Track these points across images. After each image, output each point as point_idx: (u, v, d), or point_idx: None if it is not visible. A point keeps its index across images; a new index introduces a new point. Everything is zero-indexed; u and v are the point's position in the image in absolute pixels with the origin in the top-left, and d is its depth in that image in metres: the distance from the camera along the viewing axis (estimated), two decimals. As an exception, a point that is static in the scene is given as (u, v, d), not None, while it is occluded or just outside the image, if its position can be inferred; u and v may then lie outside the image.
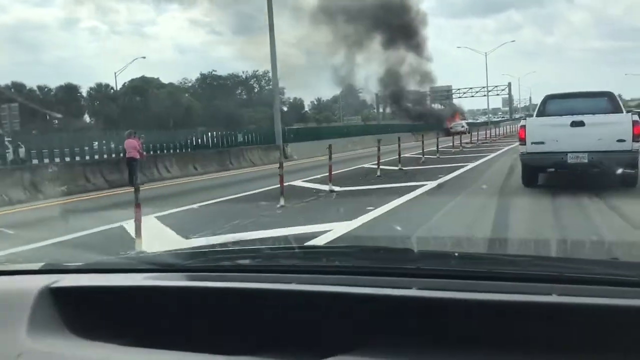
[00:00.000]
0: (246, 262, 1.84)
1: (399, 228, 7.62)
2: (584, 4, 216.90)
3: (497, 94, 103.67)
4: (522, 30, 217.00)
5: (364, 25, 63.83)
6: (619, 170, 9.66)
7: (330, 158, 13.13)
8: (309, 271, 1.61)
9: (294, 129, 36.96)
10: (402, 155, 19.34)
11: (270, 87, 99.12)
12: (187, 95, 78.75)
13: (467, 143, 32.62)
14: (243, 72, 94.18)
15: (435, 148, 24.12)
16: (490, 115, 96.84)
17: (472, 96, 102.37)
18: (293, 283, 1.50)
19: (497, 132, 47.58)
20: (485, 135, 40.68)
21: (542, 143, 10.13)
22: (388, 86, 78.77)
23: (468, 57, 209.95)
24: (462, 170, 16.21)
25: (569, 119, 10.05)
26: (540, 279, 1.39)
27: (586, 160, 9.84)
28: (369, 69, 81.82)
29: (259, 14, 68.16)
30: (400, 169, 17.08)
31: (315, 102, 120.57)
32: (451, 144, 30.15)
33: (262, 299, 1.48)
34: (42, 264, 1.84)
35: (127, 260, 2.20)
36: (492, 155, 22.36)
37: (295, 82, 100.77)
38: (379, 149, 16.51)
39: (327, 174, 12.85)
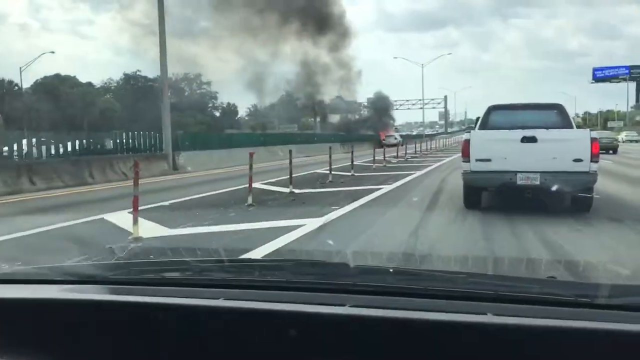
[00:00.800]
0: (172, 275, 1.75)
1: (330, 242, 6.72)
2: (517, 24, 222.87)
3: (434, 107, 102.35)
4: (459, 47, 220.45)
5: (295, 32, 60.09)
6: (573, 194, 8.76)
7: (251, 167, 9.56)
8: (239, 286, 1.55)
9: (190, 135, 30.77)
10: (309, 172, 15.40)
11: (203, 90, 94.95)
12: (108, 96, 72.56)
13: (393, 157, 29.11)
14: (173, 74, 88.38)
15: (356, 162, 20.52)
16: (421, 129, 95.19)
17: (409, 108, 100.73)
18: (221, 298, 1.44)
19: (430, 146, 44.20)
20: (415, 149, 37.41)
21: (489, 160, 8.80)
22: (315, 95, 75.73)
23: (407, 69, 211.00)
24: (368, 198, 11.54)
25: (519, 134, 8.70)
26: (476, 297, 1.39)
27: (538, 182, 8.59)
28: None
29: (199, 17, 63.94)
30: (291, 192, 12.67)
31: (251, 109, 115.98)
32: (379, 158, 26.44)
33: (186, 314, 1.38)
34: None
35: (43, 270, 1.95)
36: (416, 174, 18.57)
37: (232, 87, 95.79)
38: (291, 162, 13.86)
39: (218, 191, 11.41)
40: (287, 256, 4.72)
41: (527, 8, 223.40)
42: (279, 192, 12.85)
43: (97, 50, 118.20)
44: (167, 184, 16.86)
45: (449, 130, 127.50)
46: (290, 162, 13.84)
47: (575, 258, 5.38)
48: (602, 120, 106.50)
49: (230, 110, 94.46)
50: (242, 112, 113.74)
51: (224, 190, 13.41)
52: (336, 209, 9.53)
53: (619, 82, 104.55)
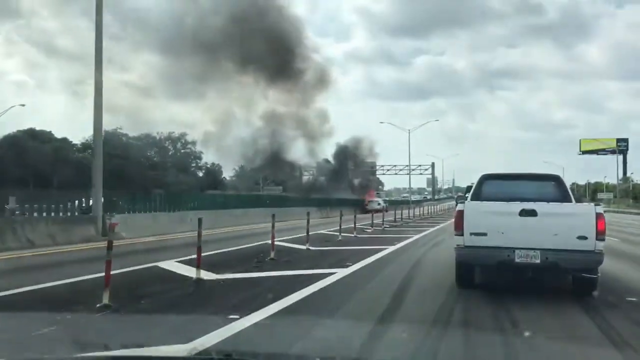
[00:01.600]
0: None
1: None
2: (503, 96, 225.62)
3: (421, 173, 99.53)
4: (446, 116, 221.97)
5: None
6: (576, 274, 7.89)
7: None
8: None
9: (129, 195, 24.38)
10: (260, 243, 12.13)
11: (187, 150, 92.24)
12: (87, 152, 69.26)
13: (369, 226, 25.23)
14: (157, 133, 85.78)
15: (321, 232, 16.89)
16: (405, 195, 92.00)
17: (396, 174, 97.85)
18: None
19: (415, 213, 40.63)
20: (395, 216, 33.49)
21: (484, 235, 7.84)
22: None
23: (395, 136, 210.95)
24: (303, 293, 7.85)
25: (517, 207, 7.84)
26: None
27: (538, 260, 7.64)
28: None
29: (195, 83, 61.74)
30: (197, 279, 8.93)
31: (238, 169, 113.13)
32: (350, 227, 22.89)
33: None
34: None
35: None
36: (388, 250, 14.77)
37: (218, 148, 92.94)
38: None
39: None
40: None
41: (512, 80, 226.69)
42: (181, 278, 9.13)
43: (89, 109, 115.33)
44: (73, 255, 13.17)
45: (437, 197, 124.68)
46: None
47: None
48: (591, 191, 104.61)
49: (214, 171, 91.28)
50: (229, 172, 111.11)
51: (123, 270, 9.71)
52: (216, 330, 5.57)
53: (606, 154, 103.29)
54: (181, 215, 22.59)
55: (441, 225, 30.45)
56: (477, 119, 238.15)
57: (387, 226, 26.94)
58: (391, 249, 14.86)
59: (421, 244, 17.22)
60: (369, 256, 12.73)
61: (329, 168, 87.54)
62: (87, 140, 72.40)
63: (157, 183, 71.39)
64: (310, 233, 15.86)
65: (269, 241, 15.63)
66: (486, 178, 9.70)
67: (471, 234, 7.96)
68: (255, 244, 15.74)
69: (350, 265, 11.11)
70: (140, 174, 69.58)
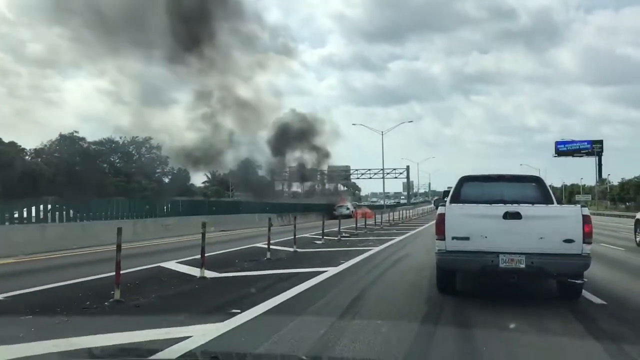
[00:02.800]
0: None
1: None
2: (478, 100, 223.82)
3: (396, 177, 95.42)
4: (422, 121, 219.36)
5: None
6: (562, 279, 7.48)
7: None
8: None
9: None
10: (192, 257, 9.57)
11: (152, 155, 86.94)
12: (39, 159, 63.84)
13: (318, 237, 19.57)
14: (120, 138, 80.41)
15: (254, 245, 14.58)
16: (374, 200, 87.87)
17: (371, 177, 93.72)
18: None
19: (382, 219, 36.13)
20: (357, 224, 28.51)
21: (467, 239, 7.32)
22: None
23: (372, 141, 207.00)
24: None
25: (501, 209, 7.33)
26: None
27: (523, 265, 7.12)
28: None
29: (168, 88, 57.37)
30: None
31: (209, 176, 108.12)
32: (304, 236, 18.54)
33: None
34: None
35: None
36: (328, 272, 10.58)
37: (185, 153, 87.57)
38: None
39: None
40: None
41: (486, 85, 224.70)
42: None
43: (60, 117, 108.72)
44: None
45: (413, 201, 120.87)
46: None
47: None
48: (567, 194, 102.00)
49: (181, 176, 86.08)
50: (200, 178, 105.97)
51: None
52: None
53: (582, 156, 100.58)
54: (91, 225, 17.80)
55: (411, 232, 26.06)
56: (452, 124, 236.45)
57: (347, 234, 22.40)
58: (328, 273, 10.24)
59: (377, 261, 12.73)
60: (298, 284, 8.35)
61: (300, 173, 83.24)
62: (44, 145, 67.08)
63: (120, 190, 66.34)
64: (242, 247, 12.68)
65: (165, 263, 11.33)
66: (465, 180, 9.29)
67: (453, 238, 7.45)
68: (191, 257, 11.43)
69: (257, 304, 6.66)
70: (98, 180, 64.33)
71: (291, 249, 15.18)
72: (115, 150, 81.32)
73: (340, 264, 11.63)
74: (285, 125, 63.62)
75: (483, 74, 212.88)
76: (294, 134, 65.04)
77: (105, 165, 79.51)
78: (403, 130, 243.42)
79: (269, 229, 14.49)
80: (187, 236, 20.49)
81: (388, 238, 20.72)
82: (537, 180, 9.46)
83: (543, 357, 5.16)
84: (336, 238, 19.95)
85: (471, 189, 9.09)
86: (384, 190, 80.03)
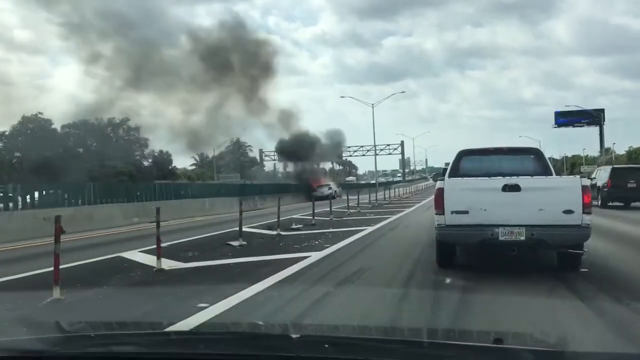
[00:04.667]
0: (119, 348, 1.66)
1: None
2: (472, 75, 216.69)
3: (390, 153, 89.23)
4: (418, 98, 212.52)
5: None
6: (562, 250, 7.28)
7: None
8: (184, 359, 1.51)
9: None
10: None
11: (130, 137, 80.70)
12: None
13: (301, 221, 14.50)
14: (96, 119, 74.02)
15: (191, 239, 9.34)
16: (350, 179, 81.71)
17: (364, 155, 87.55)
18: None
19: (379, 197, 30.05)
20: (348, 202, 22.39)
21: (466, 213, 7.22)
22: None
23: (367, 119, 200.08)
24: None
25: (499, 182, 7.21)
26: None
27: (523, 237, 7.02)
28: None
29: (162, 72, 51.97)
30: None
31: (197, 159, 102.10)
32: (263, 223, 13.04)
33: None
34: None
35: None
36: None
37: (169, 134, 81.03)
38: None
39: None
40: (231, 328, 3.38)
41: (481, 59, 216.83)
42: None
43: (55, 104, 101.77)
44: None
45: (409, 178, 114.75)
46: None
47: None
48: (569, 165, 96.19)
49: (163, 159, 79.96)
50: (188, 161, 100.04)
51: None
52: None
53: (582, 126, 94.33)
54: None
55: (400, 214, 20.13)
56: (448, 100, 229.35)
57: (328, 218, 16.59)
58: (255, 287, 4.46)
59: (329, 272, 6.83)
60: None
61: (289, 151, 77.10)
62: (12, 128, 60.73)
63: (91, 174, 60.36)
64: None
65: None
66: (464, 154, 9.24)
67: (452, 212, 7.29)
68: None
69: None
70: (69, 165, 58.32)
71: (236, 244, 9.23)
72: (91, 134, 75.14)
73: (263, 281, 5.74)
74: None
75: (477, 49, 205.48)
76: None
77: (81, 149, 73.46)
78: (398, 107, 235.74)
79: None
80: (77, 234, 14.52)
81: (375, 220, 14.82)
82: (535, 152, 9.38)
83: (522, 314, 5.31)
84: (310, 223, 13.93)
85: (470, 162, 9.04)
86: (375, 167, 73.90)
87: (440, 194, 7.37)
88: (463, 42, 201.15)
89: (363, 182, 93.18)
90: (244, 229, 14.94)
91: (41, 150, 58.16)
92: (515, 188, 7.02)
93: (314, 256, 9.30)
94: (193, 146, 66.26)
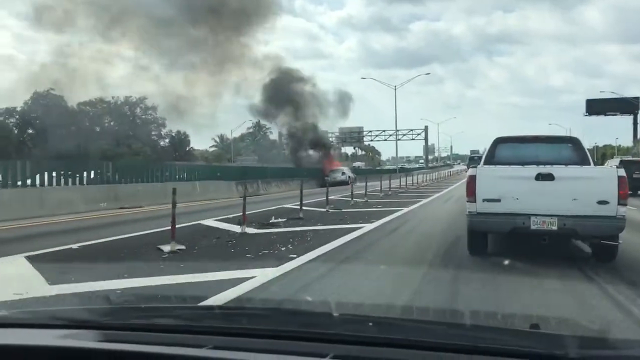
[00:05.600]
0: (162, 321, 1.65)
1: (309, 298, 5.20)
2: (501, 62, 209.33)
3: (413, 139, 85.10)
4: (444, 83, 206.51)
5: None
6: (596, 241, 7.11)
7: None
8: (225, 333, 1.49)
9: None
10: None
11: (148, 116, 78.15)
12: (11, 120, 55.74)
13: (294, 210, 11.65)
14: (113, 98, 71.73)
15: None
16: (386, 163, 77.25)
17: (385, 139, 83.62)
18: (207, 347, 1.39)
19: (382, 186, 26.58)
20: (353, 190, 19.19)
21: (498, 201, 7.09)
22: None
23: (392, 104, 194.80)
24: None
25: (533, 170, 7.05)
26: (454, 348, 1.34)
27: (555, 227, 6.84)
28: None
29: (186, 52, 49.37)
30: None
31: (218, 140, 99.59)
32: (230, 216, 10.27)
33: None
34: None
35: (39, 315, 1.85)
36: None
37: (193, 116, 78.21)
38: None
39: None
40: (273, 305, 3.55)
41: (509, 45, 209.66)
42: None
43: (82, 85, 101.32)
44: None
45: (433, 164, 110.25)
46: None
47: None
48: (600, 155, 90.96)
49: (180, 140, 77.45)
50: (208, 143, 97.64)
51: None
52: None
53: (615, 114, 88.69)
54: None
55: (412, 206, 16.79)
56: (475, 86, 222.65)
57: (324, 209, 13.28)
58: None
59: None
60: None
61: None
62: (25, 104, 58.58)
63: (104, 153, 58.04)
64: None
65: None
66: (500, 141, 8.83)
67: (484, 200, 7.13)
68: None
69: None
70: (81, 143, 56.04)
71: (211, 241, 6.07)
72: (108, 112, 72.93)
73: None
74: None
75: (506, 34, 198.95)
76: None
77: (98, 128, 71.30)
78: (424, 93, 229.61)
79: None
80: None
81: (377, 215, 11.55)
82: (573, 141, 8.93)
83: (563, 300, 5.25)
84: (284, 218, 10.70)
85: (505, 150, 8.67)
86: (396, 152, 69.89)
87: (472, 181, 7.25)
88: (492, 27, 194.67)
89: (384, 167, 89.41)
90: (208, 222, 11.80)
91: (54, 127, 56.01)
92: (549, 177, 6.89)
93: (258, 278, 6.05)
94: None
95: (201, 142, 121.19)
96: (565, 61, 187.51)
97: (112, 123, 72.92)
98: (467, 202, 7.32)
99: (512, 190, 7.01)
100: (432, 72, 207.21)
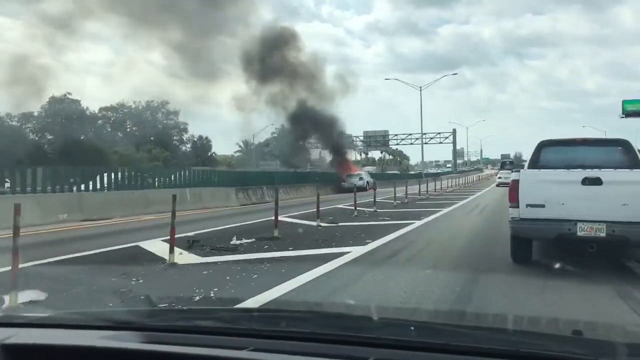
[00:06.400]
0: (204, 323, 1.67)
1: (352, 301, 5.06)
2: (533, 65, 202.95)
3: (441, 142, 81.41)
4: (474, 87, 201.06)
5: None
6: None
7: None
8: (266, 336, 1.49)
9: None
10: None
11: (170, 121, 76.32)
12: (28, 126, 54.45)
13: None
14: (134, 102, 70.31)
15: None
16: (414, 167, 73.12)
17: (412, 143, 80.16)
18: (248, 348, 1.40)
19: (412, 191, 23.38)
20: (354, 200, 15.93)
21: (542, 206, 6.74)
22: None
23: (423, 109, 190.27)
24: None
25: (579, 175, 6.69)
26: (496, 354, 1.32)
27: (604, 234, 6.43)
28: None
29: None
30: None
31: (242, 145, 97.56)
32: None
33: None
34: None
35: (84, 316, 1.86)
36: None
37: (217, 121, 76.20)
38: None
39: None
40: (313, 308, 3.16)
41: (541, 48, 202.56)
42: None
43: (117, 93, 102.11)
44: None
45: (461, 169, 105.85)
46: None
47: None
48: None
49: (202, 145, 75.48)
50: (232, 148, 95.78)
51: None
52: None
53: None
54: None
55: (425, 219, 13.76)
56: (505, 90, 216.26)
57: (314, 223, 10.91)
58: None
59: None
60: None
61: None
62: (40, 111, 57.22)
63: (122, 159, 56.32)
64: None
65: None
66: (544, 144, 8.13)
67: (527, 205, 6.77)
68: None
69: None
70: (97, 149, 54.39)
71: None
72: (130, 117, 71.46)
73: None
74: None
75: (537, 37, 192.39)
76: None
77: (120, 133, 69.88)
78: (453, 97, 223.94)
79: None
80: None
81: (354, 244, 8.58)
82: (623, 143, 8.03)
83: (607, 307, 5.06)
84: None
85: (550, 154, 8.01)
86: (422, 155, 66.30)
87: (515, 186, 6.94)
88: (522, 30, 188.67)
89: (405, 172, 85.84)
90: (145, 244, 9.01)
91: (71, 132, 54.48)
92: (597, 181, 6.52)
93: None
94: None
95: (227, 147, 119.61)
96: (598, 63, 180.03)
97: (134, 128, 71.40)
98: (510, 207, 7.03)
99: (557, 195, 6.68)
100: (461, 76, 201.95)
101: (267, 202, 23.99)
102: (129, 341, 1.46)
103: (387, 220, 13.81)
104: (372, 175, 41.34)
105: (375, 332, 1.45)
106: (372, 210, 16.76)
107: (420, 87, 57.38)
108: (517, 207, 6.83)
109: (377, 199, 18.93)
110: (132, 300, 5.00)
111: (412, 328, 1.50)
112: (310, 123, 43.65)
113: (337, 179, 35.83)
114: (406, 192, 23.14)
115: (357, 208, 16.13)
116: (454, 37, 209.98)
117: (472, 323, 2.22)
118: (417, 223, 12.99)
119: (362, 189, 34.90)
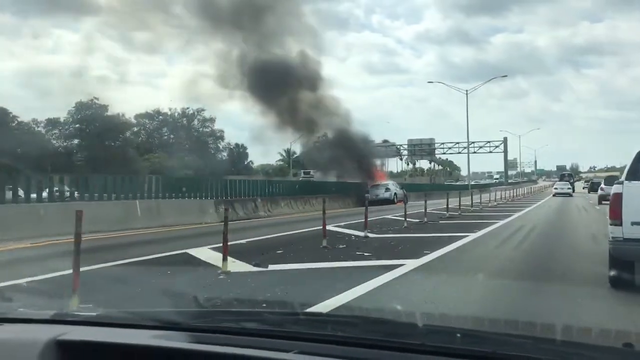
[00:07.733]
0: (250, 325, 1.67)
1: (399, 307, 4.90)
2: (590, 74, 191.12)
3: (490, 151, 75.02)
4: (528, 97, 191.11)
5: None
6: None
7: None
8: (311, 339, 1.50)
9: None
10: None
11: (206, 128, 73.50)
12: (54, 133, 52.62)
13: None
14: (170, 110, 68.02)
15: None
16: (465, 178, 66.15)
17: (459, 152, 74.18)
18: (294, 351, 1.41)
19: (424, 207, 18.47)
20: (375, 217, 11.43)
21: None
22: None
23: (472, 119, 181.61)
24: None
25: None
26: None
27: None
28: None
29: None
30: None
31: (284, 154, 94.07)
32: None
33: None
34: (53, 312, 1.74)
35: (135, 315, 1.89)
36: None
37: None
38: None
39: None
40: (358, 312, 3.40)
41: (599, 57, 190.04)
42: None
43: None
44: None
45: (514, 180, 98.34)
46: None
47: None
48: None
49: (239, 153, 72.36)
50: (274, 157, 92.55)
51: None
52: None
53: None
54: None
55: (441, 251, 8.94)
56: (561, 99, 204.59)
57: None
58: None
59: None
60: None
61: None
62: (68, 118, 55.44)
63: (153, 167, 53.73)
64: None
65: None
66: None
67: (632, 223, 5.90)
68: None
69: None
70: (127, 156, 51.97)
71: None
72: (165, 124, 69.24)
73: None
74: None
75: (595, 45, 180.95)
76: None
77: (154, 140, 67.67)
78: (506, 107, 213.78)
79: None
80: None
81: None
82: None
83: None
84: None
85: None
86: (468, 164, 60.11)
87: (617, 201, 6.11)
88: (578, 38, 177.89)
89: (458, 183, 79.83)
90: None
91: (98, 139, 52.29)
92: None
93: None
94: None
95: (270, 156, 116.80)
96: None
97: (171, 136, 69.10)
98: (610, 225, 6.17)
99: None
100: (515, 85, 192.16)
101: (261, 218, 19.78)
102: (176, 340, 1.48)
103: (375, 260, 9.19)
104: (402, 186, 36.25)
105: (420, 338, 1.42)
106: (378, 229, 12.06)
107: (467, 91, 51.95)
108: (620, 225, 5.96)
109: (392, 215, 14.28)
110: (180, 301, 4.64)
111: (458, 335, 1.47)
112: (344, 149, 39.35)
113: (359, 189, 31.06)
114: (425, 208, 18.22)
115: (346, 230, 11.55)
116: (507, 46, 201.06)
117: (519, 332, 2.07)
118: (423, 259, 8.36)
119: (388, 201, 30.07)
